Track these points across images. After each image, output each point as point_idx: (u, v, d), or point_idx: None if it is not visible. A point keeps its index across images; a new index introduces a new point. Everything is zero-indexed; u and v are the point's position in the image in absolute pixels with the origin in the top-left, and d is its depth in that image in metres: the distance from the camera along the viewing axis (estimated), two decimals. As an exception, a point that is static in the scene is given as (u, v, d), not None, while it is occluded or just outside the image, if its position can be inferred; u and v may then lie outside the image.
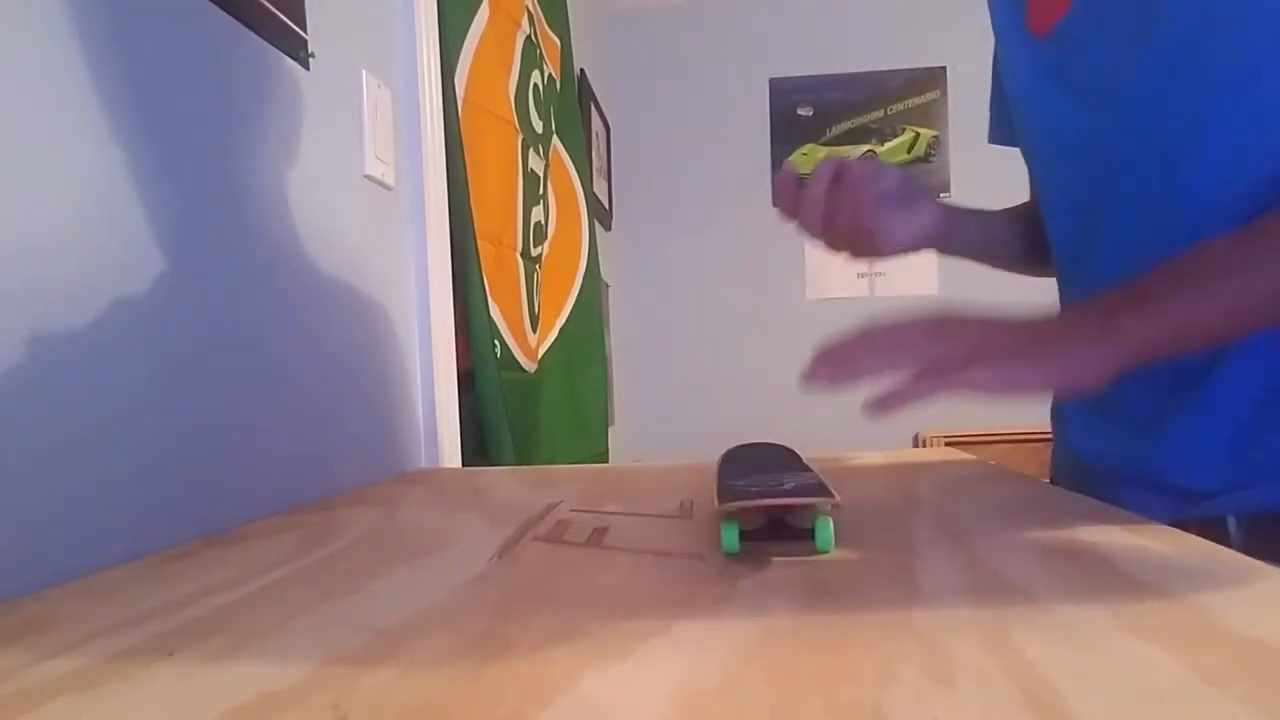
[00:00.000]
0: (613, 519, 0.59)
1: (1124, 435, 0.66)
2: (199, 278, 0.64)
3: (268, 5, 0.75)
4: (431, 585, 0.43)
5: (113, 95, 0.55)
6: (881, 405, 0.48)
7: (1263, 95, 0.55)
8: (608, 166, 3.05)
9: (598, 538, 0.53)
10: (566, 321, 1.76)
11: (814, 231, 0.69)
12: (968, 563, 0.43)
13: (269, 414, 0.73)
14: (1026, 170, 0.76)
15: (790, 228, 0.70)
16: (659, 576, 0.44)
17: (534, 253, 1.57)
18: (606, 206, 2.94)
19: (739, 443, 0.67)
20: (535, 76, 1.63)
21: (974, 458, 0.87)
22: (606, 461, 1.98)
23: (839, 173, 0.67)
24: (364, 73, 0.96)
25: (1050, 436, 0.81)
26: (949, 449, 1.06)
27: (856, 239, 0.69)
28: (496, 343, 1.27)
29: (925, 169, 3.17)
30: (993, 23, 0.76)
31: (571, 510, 0.62)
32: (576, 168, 1.94)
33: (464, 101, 1.24)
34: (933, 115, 3.19)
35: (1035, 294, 0.71)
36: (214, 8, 0.67)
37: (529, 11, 1.61)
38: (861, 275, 3.15)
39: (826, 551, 0.45)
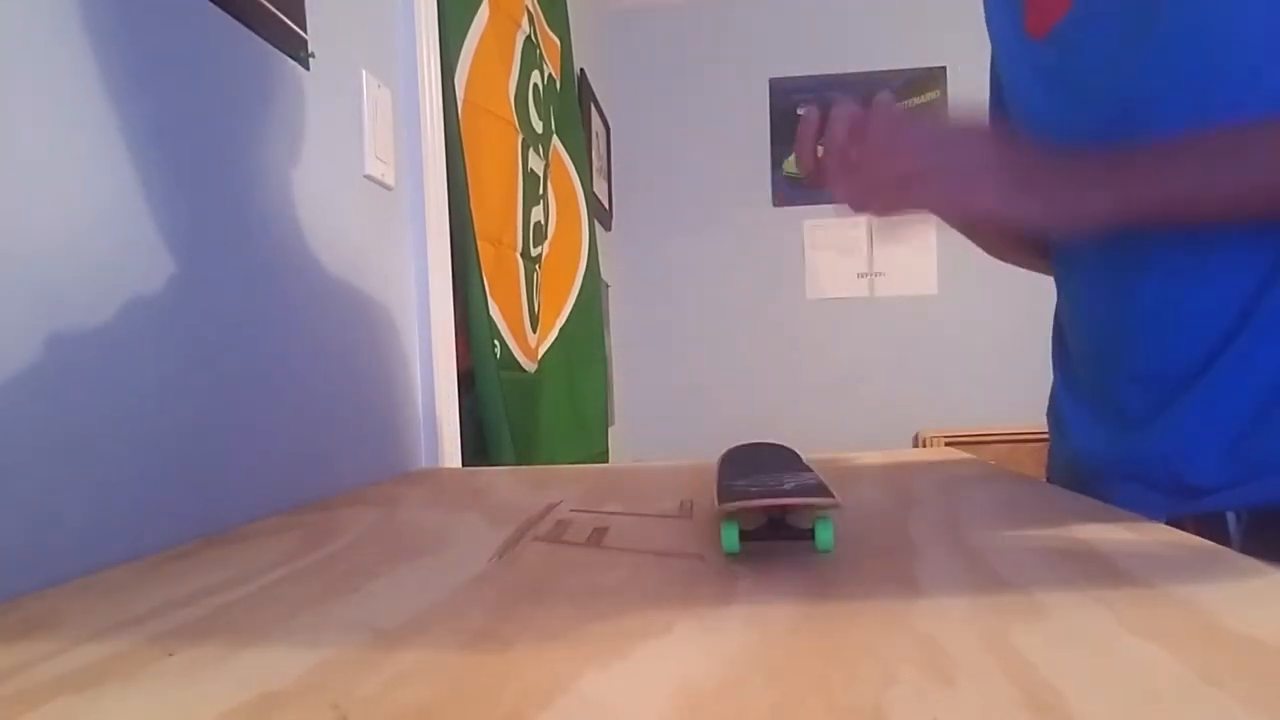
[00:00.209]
0: (613, 519, 0.59)
1: (1122, 433, 0.66)
2: (198, 278, 0.64)
3: (268, 5, 0.75)
4: (431, 585, 0.43)
5: (113, 95, 0.55)
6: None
7: (1263, 95, 0.55)
8: (608, 166, 3.05)
9: (598, 538, 0.53)
10: (566, 321, 1.76)
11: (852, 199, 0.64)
12: (968, 563, 0.43)
13: (269, 414, 0.73)
14: None
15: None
16: (659, 576, 0.43)
17: (534, 253, 1.57)
18: (606, 206, 2.94)
19: (739, 443, 0.67)
20: (535, 76, 1.63)
21: (974, 458, 0.87)
22: (606, 461, 1.98)
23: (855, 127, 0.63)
24: (364, 73, 0.96)
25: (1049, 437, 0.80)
26: (949, 449, 1.06)
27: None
28: (496, 343, 1.27)
29: (925, 169, 3.17)
30: (989, 29, 0.76)
31: (571, 510, 0.62)
32: (576, 168, 1.94)
33: (464, 101, 1.24)
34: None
35: (1035, 293, 0.70)
36: (214, 8, 0.67)
37: (529, 11, 1.61)
38: (861, 275, 3.15)
39: (827, 552, 0.45)
